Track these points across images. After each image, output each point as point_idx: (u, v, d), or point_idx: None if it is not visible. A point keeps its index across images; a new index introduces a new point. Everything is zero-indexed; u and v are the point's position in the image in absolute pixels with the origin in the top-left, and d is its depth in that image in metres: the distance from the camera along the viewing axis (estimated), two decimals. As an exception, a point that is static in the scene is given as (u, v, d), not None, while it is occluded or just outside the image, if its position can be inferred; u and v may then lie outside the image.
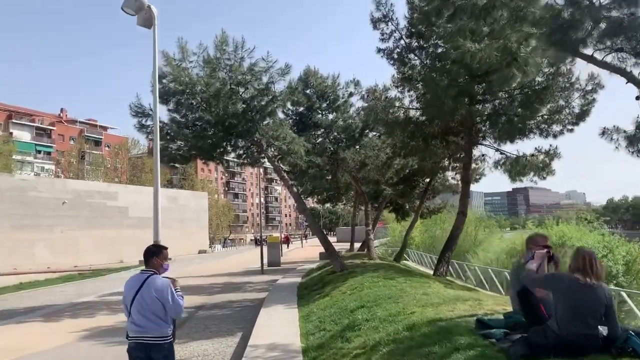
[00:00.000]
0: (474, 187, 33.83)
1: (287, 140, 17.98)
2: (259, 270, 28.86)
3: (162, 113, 18.08)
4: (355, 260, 21.22)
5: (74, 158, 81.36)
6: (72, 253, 43.80)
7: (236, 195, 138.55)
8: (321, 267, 25.97)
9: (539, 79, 14.87)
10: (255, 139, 17.93)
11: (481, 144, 17.84)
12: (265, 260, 34.12)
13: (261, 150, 18.32)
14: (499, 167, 17.25)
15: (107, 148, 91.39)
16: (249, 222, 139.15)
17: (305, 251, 56.61)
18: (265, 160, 19.34)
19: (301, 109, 24.08)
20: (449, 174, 27.87)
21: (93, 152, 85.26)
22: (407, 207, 35.95)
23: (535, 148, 16.27)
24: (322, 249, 47.14)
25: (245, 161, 19.48)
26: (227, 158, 21.31)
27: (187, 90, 17.43)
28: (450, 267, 28.99)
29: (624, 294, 14.89)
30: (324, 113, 23.98)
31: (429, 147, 18.24)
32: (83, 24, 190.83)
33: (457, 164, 20.35)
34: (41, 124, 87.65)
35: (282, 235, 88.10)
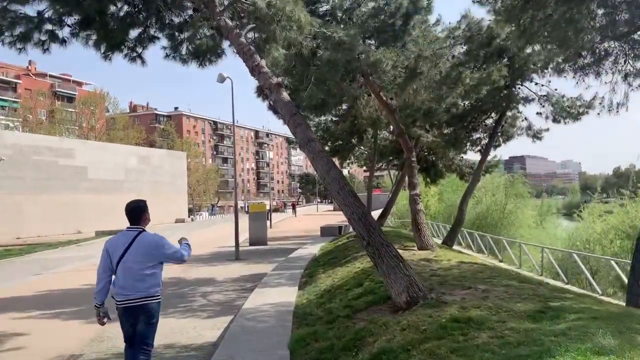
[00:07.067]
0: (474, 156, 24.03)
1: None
2: (233, 253, 19.30)
3: None
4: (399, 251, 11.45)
5: (44, 115, 70.50)
6: (12, 222, 34.98)
7: (225, 160, 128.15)
8: (327, 253, 16.45)
9: None
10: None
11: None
12: (247, 236, 24.67)
13: (214, 18, 8.31)
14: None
15: (82, 105, 79.64)
16: (240, 188, 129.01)
17: (300, 222, 46.96)
18: (225, 47, 9.12)
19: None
20: (526, 108, 18.24)
21: (68, 109, 73.39)
22: (440, 165, 26.22)
23: None
24: (322, 221, 37.59)
25: (188, 50, 9.44)
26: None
27: None
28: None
29: None
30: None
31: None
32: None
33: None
34: (5, 76, 76.90)
35: (276, 203, 78.52)
